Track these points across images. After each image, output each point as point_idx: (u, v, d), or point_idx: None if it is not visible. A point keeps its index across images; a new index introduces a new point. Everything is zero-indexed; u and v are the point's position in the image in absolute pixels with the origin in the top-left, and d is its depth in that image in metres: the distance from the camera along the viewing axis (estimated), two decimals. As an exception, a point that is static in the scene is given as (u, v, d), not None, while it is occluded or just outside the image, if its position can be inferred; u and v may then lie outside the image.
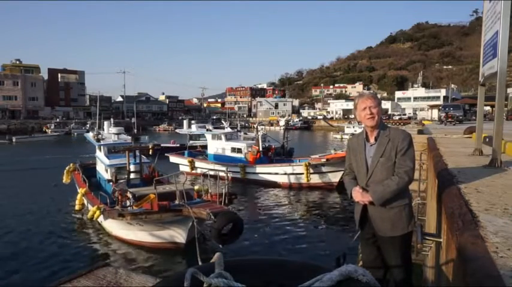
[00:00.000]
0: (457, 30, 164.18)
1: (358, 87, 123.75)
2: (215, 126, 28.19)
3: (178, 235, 9.89)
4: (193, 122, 32.03)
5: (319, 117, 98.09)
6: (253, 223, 12.50)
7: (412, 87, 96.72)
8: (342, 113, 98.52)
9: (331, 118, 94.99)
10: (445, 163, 4.19)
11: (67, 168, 16.29)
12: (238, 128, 32.94)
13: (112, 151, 16.27)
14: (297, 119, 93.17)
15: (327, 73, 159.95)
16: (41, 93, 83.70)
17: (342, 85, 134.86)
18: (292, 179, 19.13)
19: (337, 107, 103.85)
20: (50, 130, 63.59)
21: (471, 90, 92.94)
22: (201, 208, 8.87)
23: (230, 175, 15.04)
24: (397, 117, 73.83)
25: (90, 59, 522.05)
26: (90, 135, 17.26)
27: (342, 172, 16.49)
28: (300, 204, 16.21)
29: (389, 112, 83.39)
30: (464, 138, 8.51)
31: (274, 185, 19.26)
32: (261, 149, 20.68)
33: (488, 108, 33.17)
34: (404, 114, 78.76)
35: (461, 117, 24.06)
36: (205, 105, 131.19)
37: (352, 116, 78.39)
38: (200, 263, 3.57)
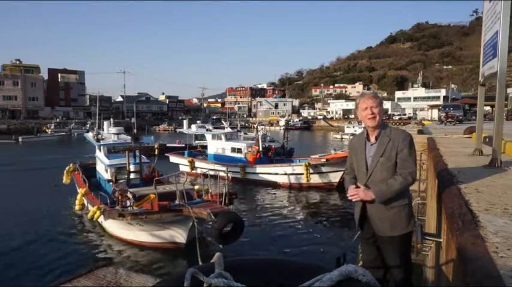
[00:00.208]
0: (457, 30, 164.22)
1: (358, 87, 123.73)
2: (215, 126, 28.22)
3: (179, 235, 9.89)
4: (198, 122, 32.02)
5: (319, 117, 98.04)
6: (253, 223, 12.49)
7: (412, 87, 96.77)
8: (342, 113, 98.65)
9: (331, 118, 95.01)
10: (445, 163, 4.19)
11: (67, 168, 16.29)
12: (238, 128, 32.99)
13: (112, 151, 16.26)
14: (297, 119, 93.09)
15: (327, 73, 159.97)
16: (41, 93, 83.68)
17: (342, 85, 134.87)
18: (292, 179, 19.13)
19: (337, 107, 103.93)
20: (50, 130, 63.55)
21: (471, 90, 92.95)
22: (201, 208, 8.86)
23: (230, 175, 15.05)
24: (397, 118, 73.84)
25: (90, 59, 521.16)
26: (90, 136, 17.28)
27: (342, 172, 16.52)
28: (300, 204, 16.21)
29: (390, 112, 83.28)
30: (464, 138, 8.52)
31: (274, 185, 19.27)
32: (261, 149, 20.70)
33: (488, 108, 33.14)
34: (404, 115, 78.80)
35: (461, 117, 24.08)
36: (205, 105, 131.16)
37: (352, 116, 78.48)
38: (200, 263, 3.57)
